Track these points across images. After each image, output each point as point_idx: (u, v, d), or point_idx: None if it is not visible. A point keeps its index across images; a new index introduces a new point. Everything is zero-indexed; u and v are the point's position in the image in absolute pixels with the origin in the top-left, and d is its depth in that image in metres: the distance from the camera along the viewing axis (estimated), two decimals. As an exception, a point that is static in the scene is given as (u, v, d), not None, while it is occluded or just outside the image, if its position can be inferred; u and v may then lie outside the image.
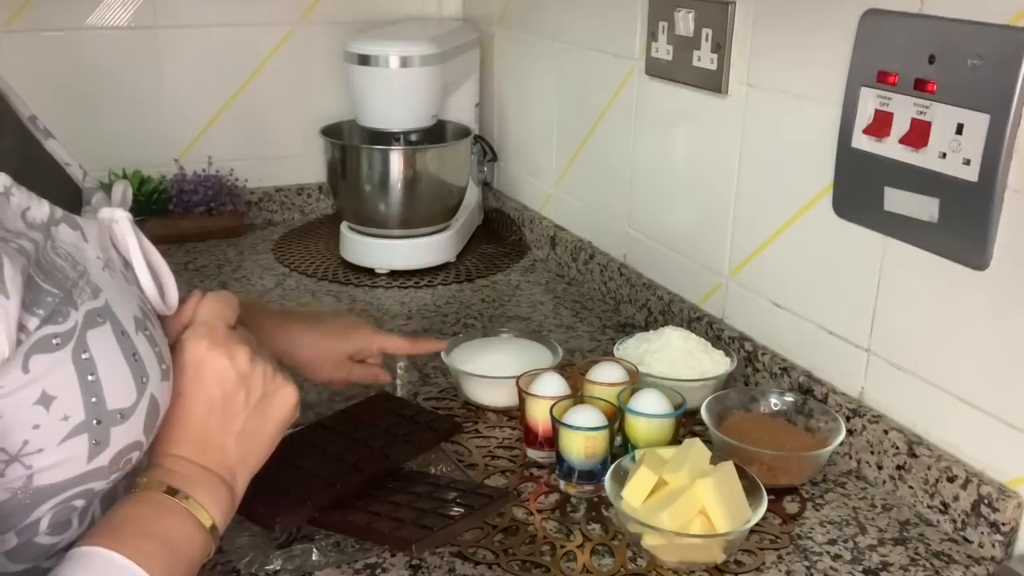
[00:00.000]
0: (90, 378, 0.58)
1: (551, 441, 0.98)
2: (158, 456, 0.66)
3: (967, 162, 0.85)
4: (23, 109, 0.71)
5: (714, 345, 1.13)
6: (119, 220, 0.67)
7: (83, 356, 0.57)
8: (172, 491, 0.63)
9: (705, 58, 1.17)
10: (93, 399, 0.58)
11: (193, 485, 0.65)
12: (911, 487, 0.95)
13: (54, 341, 0.56)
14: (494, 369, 1.10)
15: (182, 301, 0.71)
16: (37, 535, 0.59)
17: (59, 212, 0.62)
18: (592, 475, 0.94)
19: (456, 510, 0.86)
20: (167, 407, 0.65)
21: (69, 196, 0.69)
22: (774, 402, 1.05)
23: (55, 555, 0.61)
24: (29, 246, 0.57)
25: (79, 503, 0.60)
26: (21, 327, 0.54)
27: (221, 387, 0.67)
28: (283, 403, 0.71)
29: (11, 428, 0.55)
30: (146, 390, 0.61)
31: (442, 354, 1.13)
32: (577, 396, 1.00)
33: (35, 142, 0.70)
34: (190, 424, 0.67)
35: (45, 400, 0.56)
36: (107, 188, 0.72)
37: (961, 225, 0.87)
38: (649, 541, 0.85)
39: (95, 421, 0.58)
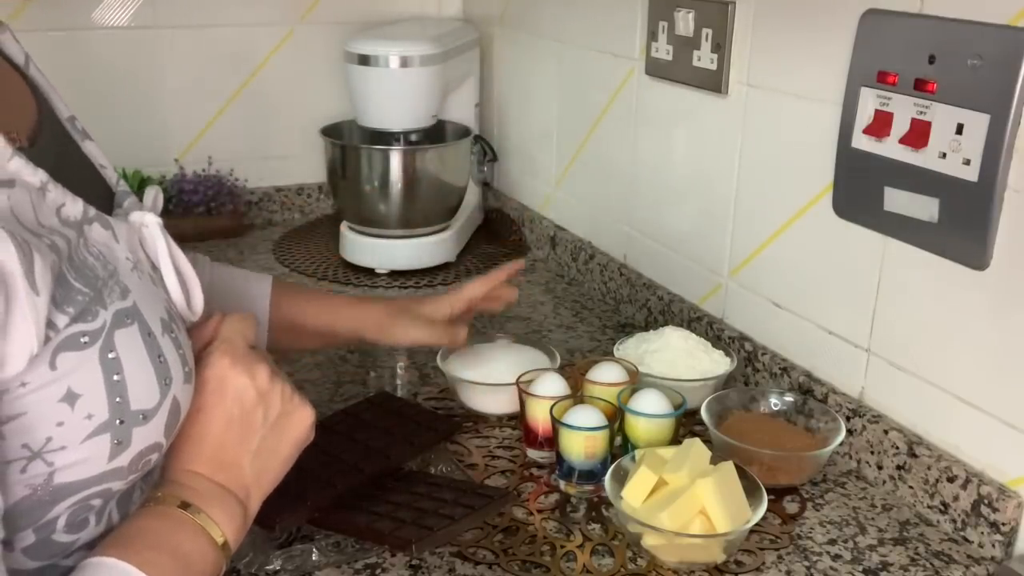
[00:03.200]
0: (116, 378, 0.58)
1: (551, 441, 0.98)
2: (174, 472, 0.66)
3: (967, 162, 0.85)
4: (63, 109, 0.71)
5: (714, 345, 1.13)
6: (149, 224, 0.68)
7: (110, 355, 0.58)
8: (185, 505, 0.63)
9: (705, 58, 1.17)
10: (117, 399, 0.58)
11: (207, 501, 0.65)
12: (911, 487, 0.95)
13: (83, 339, 0.56)
14: (492, 376, 1.09)
15: (205, 319, 0.71)
16: (54, 532, 0.60)
17: (92, 211, 0.62)
18: (592, 475, 0.94)
19: (456, 510, 0.87)
20: (187, 411, 0.65)
21: (102, 198, 0.69)
22: (774, 402, 1.05)
23: (72, 553, 0.61)
24: (62, 243, 0.57)
25: (96, 502, 0.61)
26: (50, 324, 0.54)
27: (240, 404, 0.67)
28: (299, 423, 0.71)
29: (35, 424, 0.55)
30: (169, 392, 0.61)
31: (438, 360, 1.13)
32: (577, 396, 1.00)
33: (73, 143, 0.71)
34: (207, 440, 0.67)
35: (70, 398, 0.56)
36: (140, 193, 0.73)
37: (961, 225, 0.87)
38: (649, 541, 0.85)
39: (118, 421, 0.58)
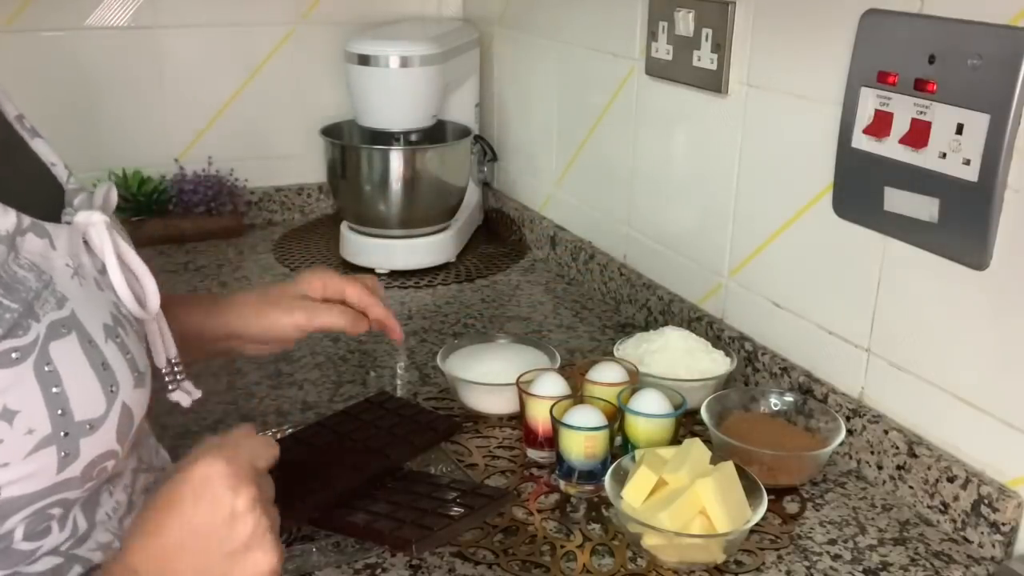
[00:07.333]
0: (55, 390, 0.57)
1: (551, 441, 0.98)
2: (114, 561, 0.60)
3: (967, 162, 0.85)
4: (10, 108, 0.70)
5: (714, 345, 1.13)
6: (96, 223, 0.65)
7: (46, 368, 0.57)
8: None
9: (705, 58, 1.17)
10: (59, 411, 0.57)
11: None
12: (911, 487, 0.95)
13: (13, 355, 0.55)
14: (491, 376, 1.09)
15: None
16: (13, 543, 0.59)
17: (27, 221, 0.60)
18: (592, 475, 0.94)
19: (456, 510, 0.87)
20: (143, 415, 0.63)
21: (52, 196, 0.68)
22: (774, 402, 1.05)
23: (37, 560, 0.60)
24: None
25: (56, 511, 0.60)
26: None
27: (211, 516, 0.59)
28: (257, 565, 0.60)
29: None
30: (116, 399, 0.60)
31: (438, 360, 1.13)
32: (577, 396, 1.00)
33: (20, 143, 0.70)
34: (159, 543, 0.59)
35: (7, 415, 0.55)
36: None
37: (961, 225, 0.87)
38: (649, 541, 0.85)
39: (63, 433, 0.57)
